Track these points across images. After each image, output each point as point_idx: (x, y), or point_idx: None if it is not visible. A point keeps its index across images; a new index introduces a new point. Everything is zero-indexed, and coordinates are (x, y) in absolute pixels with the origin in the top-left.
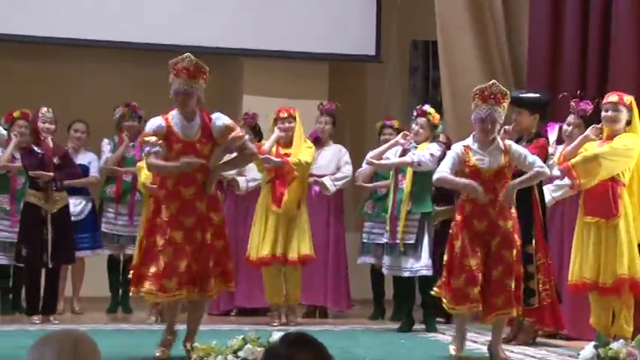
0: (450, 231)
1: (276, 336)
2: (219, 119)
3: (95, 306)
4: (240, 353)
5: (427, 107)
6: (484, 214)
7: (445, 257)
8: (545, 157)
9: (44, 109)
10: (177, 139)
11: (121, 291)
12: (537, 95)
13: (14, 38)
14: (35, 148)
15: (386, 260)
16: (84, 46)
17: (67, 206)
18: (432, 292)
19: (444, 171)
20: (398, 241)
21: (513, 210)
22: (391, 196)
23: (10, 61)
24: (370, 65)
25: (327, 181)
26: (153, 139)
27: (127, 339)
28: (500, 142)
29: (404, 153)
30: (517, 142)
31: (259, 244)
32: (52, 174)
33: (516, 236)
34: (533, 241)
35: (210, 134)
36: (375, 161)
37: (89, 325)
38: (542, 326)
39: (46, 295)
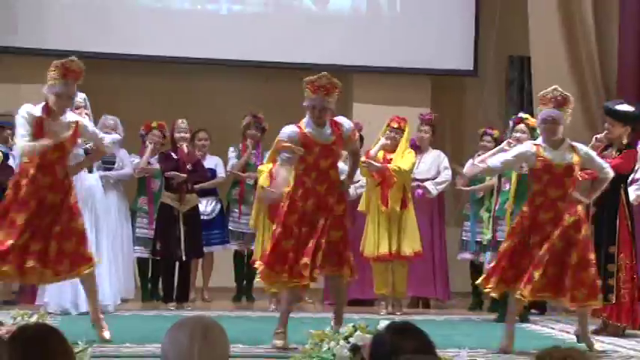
0: (515, 220)
1: (383, 324)
2: (347, 122)
3: (222, 295)
4: (351, 339)
5: (522, 114)
6: (553, 206)
7: (505, 244)
8: (632, 167)
9: (180, 121)
10: (314, 142)
11: (245, 282)
12: (632, 109)
13: (152, 59)
14: (172, 154)
15: (488, 256)
16: (213, 65)
17: (197, 206)
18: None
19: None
20: (500, 239)
21: (580, 208)
22: (494, 197)
23: (150, 78)
24: (469, 79)
25: (429, 185)
26: (287, 144)
27: (250, 325)
28: (569, 142)
29: None
30: (606, 149)
31: (375, 241)
32: (185, 175)
33: (578, 234)
34: (617, 242)
35: (342, 137)
36: (481, 165)
37: (217, 312)
38: (616, 322)
39: (179, 285)
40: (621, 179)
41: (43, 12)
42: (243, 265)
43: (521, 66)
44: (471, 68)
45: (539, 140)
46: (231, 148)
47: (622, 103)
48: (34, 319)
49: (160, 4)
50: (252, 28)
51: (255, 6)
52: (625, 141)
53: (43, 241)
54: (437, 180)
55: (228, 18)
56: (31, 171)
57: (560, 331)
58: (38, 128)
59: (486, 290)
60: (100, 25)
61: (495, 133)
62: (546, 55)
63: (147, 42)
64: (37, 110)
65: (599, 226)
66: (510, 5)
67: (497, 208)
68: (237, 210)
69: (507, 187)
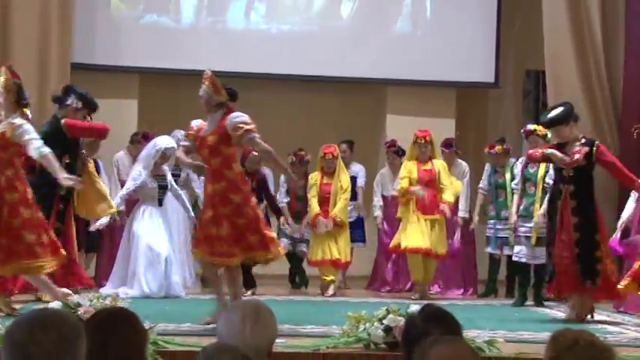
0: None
1: (414, 308)
2: (236, 117)
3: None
4: (384, 321)
5: (530, 126)
6: None
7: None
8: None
9: None
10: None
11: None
12: (561, 109)
13: (214, 74)
14: None
15: (519, 249)
16: (263, 79)
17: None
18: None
19: None
20: (520, 234)
21: None
22: (517, 199)
23: None
24: (490, 90)
25: (461, 214)
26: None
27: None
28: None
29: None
30: (563, 147)
31: (411, 236)
32: None
33: None
34: (599, 230)
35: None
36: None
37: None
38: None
39: (245, 274)
40: (592, 168)
41: (117, 33)
42: (296, 258)
43: (537, 79)
44: (493, 81)
45: None
46: (282, 178)
47: (550, 111)
48: (108, 301)
49: (219, 25)
50: (300, 47)
51: (301, 25)
52: (580, 135)
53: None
54: (462, 208)
55: (277, 36)
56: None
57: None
58: None
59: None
60: (165, 44)
61: (497, 149)
62: (559, 69)
63: (206, 59)
64: None
65: (582, 216)
66: (528, 24)
67: (521, 208)
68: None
69: (532, 190)
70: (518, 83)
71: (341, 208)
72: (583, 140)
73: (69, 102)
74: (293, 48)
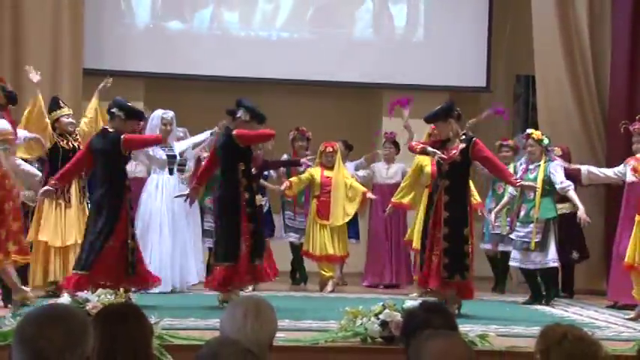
0: None
1: (409, 303)
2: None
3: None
4: (381, 316)
5: (529, 130)
6: None
7: None
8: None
9: None
10: None
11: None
12: (437, 108)
13: (212, 79)
14: None
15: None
16: (264, 84)
17: (260, 206)
18: None
19: None
20: (518, 239)
21: None
22: (517, 204)
23: (209, 95)
24: (483, 94)
25: None
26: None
27: (299, 303)
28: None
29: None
30: (445, 143)
31: (417, 233)
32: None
33: None
34: (469, 225)
35: None
36: (524, 183)
37: (270, 293)
38: (469, 296)
39: None
40: (469, 165)
41: (125, 40)
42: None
43: (527, 83)
44: (484, 85)
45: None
46: (285, 156)
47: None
48: (114, 297)
49: (220, 32)
50: (298, 52)
51: (300, 33)
52: (460, 131)
53: None
54: None
55: (276, 43)
56: None
57: (573, 313)
58: None
59: None
60: (169, 50)
61: (511, 143)
62: (548, 74)
63: (206, 64)
64: None
65: (452, 211)
66: (518, 31)
67: (522, 213)
68: (291, 210)
69: (532, 195)
70: (509, 87)
71: (359, 185)
72: (463, 137)
73: (239, 114)
74: (291, 54)
